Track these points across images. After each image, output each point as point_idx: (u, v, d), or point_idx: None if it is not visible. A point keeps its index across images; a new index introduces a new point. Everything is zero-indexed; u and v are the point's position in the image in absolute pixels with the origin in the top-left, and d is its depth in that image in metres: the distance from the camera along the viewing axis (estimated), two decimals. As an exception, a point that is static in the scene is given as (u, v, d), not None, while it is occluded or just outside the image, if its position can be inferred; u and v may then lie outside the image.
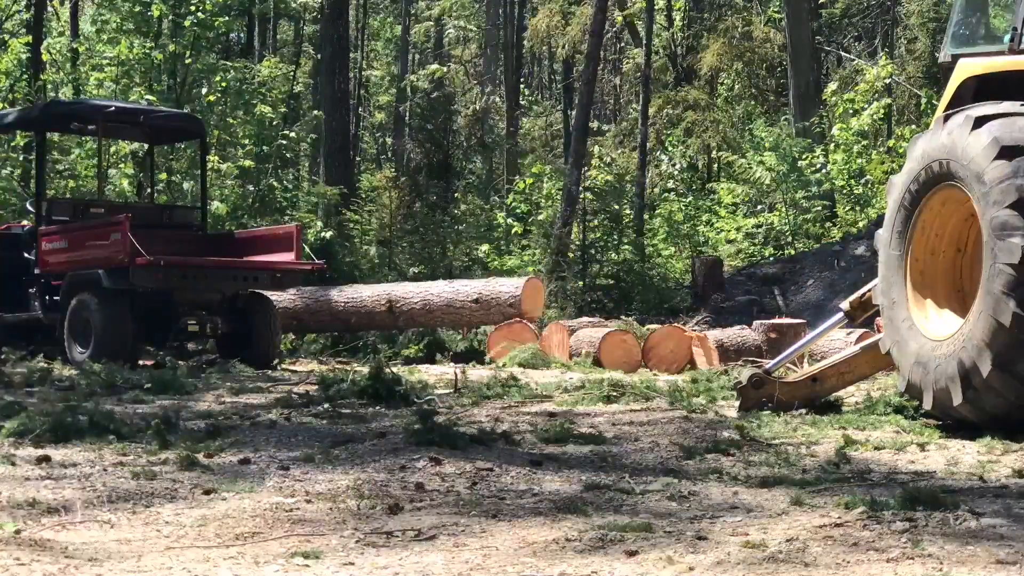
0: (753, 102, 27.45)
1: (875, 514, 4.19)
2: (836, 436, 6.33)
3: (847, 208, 21.57)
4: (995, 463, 5.45)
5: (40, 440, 5.72)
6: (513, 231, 22.69)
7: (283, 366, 11.84)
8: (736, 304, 15.97)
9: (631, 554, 3.66)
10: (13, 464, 5.04)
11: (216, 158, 18.41)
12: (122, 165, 17.93)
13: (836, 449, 5.80)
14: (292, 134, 20.78)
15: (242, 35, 31.00)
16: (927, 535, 3.88)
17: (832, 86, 23.86)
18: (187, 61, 19.34)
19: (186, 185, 18.13)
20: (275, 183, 20.01)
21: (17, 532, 3.82)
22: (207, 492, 4.59)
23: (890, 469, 5.37)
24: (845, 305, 7.99)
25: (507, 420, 7.06)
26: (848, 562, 3.58)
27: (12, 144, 18.58)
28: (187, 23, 19.28)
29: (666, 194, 26.35)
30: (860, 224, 20.09)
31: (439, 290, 13.14)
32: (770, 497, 4.61)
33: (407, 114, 32.17)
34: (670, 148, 27.31)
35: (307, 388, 8.79)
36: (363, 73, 32.36)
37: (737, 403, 7.57)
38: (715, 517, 4.25)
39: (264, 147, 19.81)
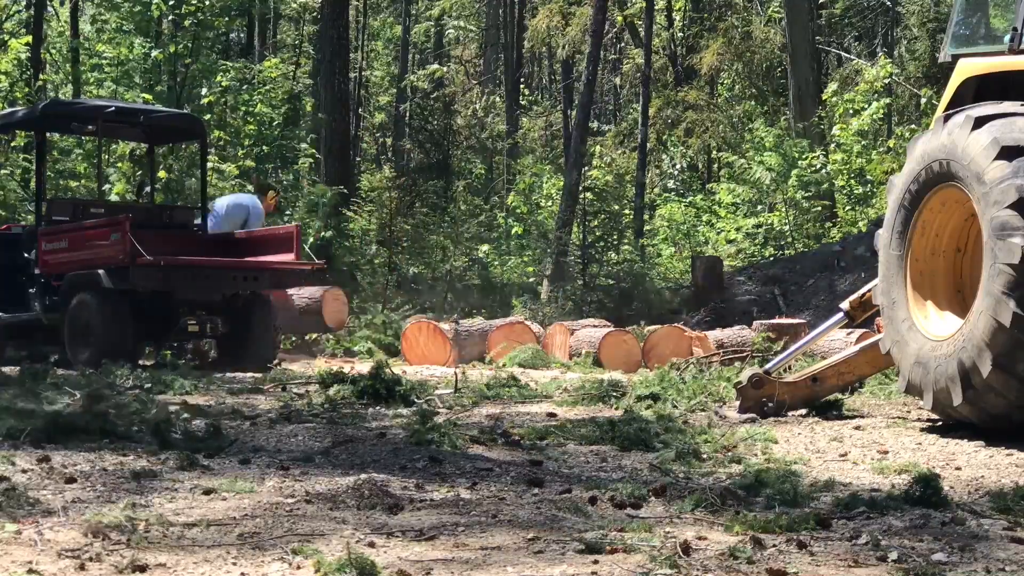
0: (753, 102, 27.46)
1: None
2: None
3: (847, 208, 21.57)
4: None
5: (40, 440, 5.71)
6: (513, 231, 22.69)
7: (283, 366, 11.84)
8: (736, 304, 15.96)
9: (632, 553, 3.66)
10: (13, 464, 5.04)
11: (217, 158, 18.41)
12: (120, 164, 17.93)
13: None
14: (302, 135, 20.78)
15: (242, 35, 31.03)
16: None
17: (832, 86, 23.86)
18: (187, 61, 19.34)
19: (186, 184, 18.13)
20: (275, 183, 20.02)
21: (18, 533, 3.82)
22: (207, 492, 4.59)
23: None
24: (845, 305, 7.99)
25: (507, 420, 7.06)
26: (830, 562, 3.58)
27: (12, 144, 18.58)
28: (187, 23, 19.28)
29: (666, 194, 26.37)
30: (860, 224, 20.08)
31: None
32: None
33: (407, 114, 32.17)
34: (670, 148, 27.33)
35: (307, 388, 8.79)
36: (363, 73, 32.35)
37: (737, 403, 7.58)
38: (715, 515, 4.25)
39: (264, 147, 19.81)
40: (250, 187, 18.85)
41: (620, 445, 6.03)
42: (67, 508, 4.25)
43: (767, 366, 7.95)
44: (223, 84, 19.49)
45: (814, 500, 4.61)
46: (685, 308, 16.42)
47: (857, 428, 6.78)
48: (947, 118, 6.71)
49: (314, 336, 13.92)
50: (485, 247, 21.42)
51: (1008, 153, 6.13)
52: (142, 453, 5.51)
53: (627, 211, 20.14)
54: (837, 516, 4.27)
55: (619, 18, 28.13)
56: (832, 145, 22.07)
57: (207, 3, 19.55)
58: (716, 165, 27.87)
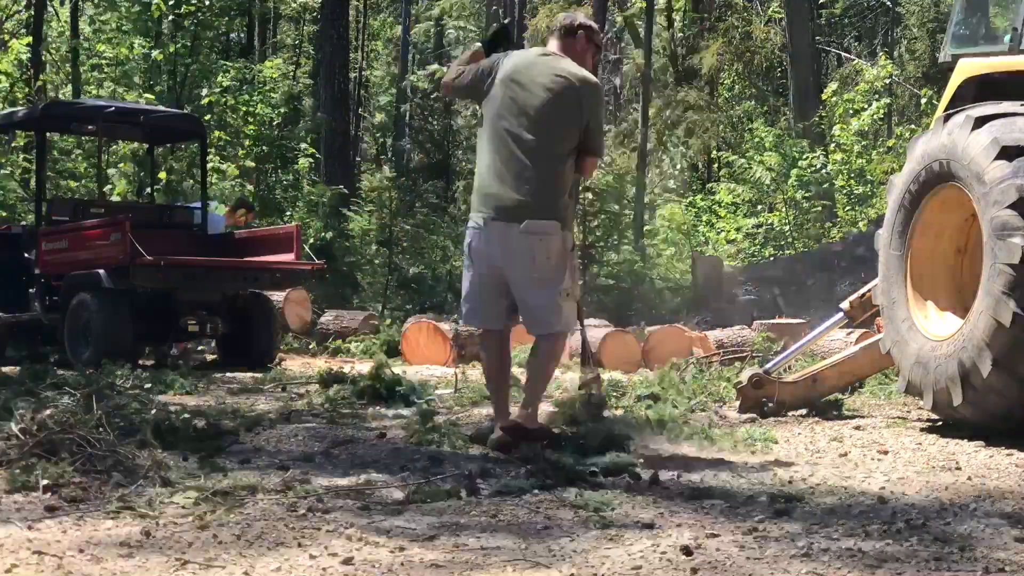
0: (753, 102, 27.47)
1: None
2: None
3: (847, 208, 21.57)
4: None
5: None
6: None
7: (283, 365, 11.84)
8: (736, 304, 15.97)
9: (632, 552, 3.66)
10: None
11: (218, 158, 18.42)
12: (121, 165, 17.94)
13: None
14: (302, 135, 20.78)
15: (242, 35, 31.03)
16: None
17: (832, 86, 23.88)
18: (187, 61, 19.36)
19: (186, 184, 18.15)
20: (275, 182, 20.03)
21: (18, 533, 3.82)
22: (206, 491, 4.59)
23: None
24: (845, 305, 7.99)
25: (507, 420, 7.05)
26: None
27: (12, 144, 18.59)
28: (186, 23, 19.29)
29: (666, 194, 26.38)
30: (860, 224, 20.09)
31: None
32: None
33: (407, 114, 32.18)
34: (670, 149, 27.32)
35: (306, 388, 8.78)
36: (363, 73, 32.36)
37: (737, 403, 7.58)
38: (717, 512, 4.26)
39: (264, 147, 19.82)
40: (250, 187, 18.85)
41: (620, 445, 6.02)
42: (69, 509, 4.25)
43: (767, 366, 7.95)
44: (223, 84, 19.51)
45: (814, 500, 4.60)
46: (685, 308, 16.42)
47: (857, 428, 6.78)
48: (947, 118, 6.71)
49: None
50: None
51: (1008, 153, 6.13)
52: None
53: (627, 211, 20.14)
54: (837, 516, 4.27)
55: (619, 18, 28.13)
56: (832, 145, 22.08)
57: (207, 3, 19.56)
58: (716, 165, 27.87)
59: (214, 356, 12.23)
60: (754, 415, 7.30)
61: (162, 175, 17.11)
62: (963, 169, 6.40)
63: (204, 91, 19.46)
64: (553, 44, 5.90)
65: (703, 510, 4.39)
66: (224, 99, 19.59)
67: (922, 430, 6.70)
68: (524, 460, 5.25)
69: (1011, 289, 5.95)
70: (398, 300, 17.38)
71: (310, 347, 13.38)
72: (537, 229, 5.55)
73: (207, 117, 18.56)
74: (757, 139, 22.72)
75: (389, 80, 34.76)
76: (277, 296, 13.45)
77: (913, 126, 22.16)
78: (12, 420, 5.03)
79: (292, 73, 26.53)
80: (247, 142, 19.58)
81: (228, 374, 10.27)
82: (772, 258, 19.61)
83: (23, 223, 13.91)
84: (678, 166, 27.83)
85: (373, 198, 18.58)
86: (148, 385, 8.57)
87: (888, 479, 5.11)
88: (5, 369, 10.12)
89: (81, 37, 22.55)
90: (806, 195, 20.56)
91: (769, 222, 20.96)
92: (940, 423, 6.78)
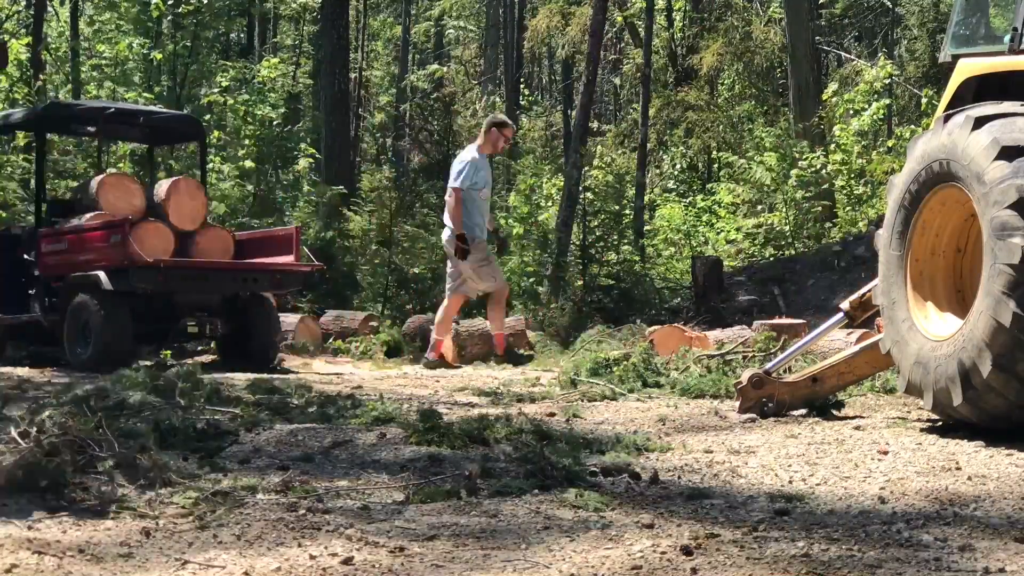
0: (753, 102, 27.45)
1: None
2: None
3: (847, 208, 21.54)
4: None
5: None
6: (514, 231, 22.69)
7: (283, 366, 11.85)
8: (736, 304, 15.96)
9: (633, 552, 3.66)
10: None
11: (218, 159, 18.42)
12: (120, 165, 17.94)
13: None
14: (302, 135, 20.81)
15: (242, 35, 31.05)
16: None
17: (832, 86, 23.85)
18: (187, 61, 19.38)
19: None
20: (275, 182, 20.04)
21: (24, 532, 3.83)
22: (205, 492, 4.59)
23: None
24: (845, 305, 7.98)
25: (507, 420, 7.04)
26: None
27: (12, 145, 18.60)
28: (185, 22, 19.32)
29: (666, 194, 26.38)
30: (860, 224, 20.07)
31: None
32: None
33: (407, 114, 32.18)
34: (670, 148, 27.32)
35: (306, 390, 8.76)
36: (363, 73, 32.36)
37: (737, 403, 7.58)
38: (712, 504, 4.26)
39: (264, 148, 19.83)
40: (250, 187, 18.84)
41: (620, 445, 6.02)
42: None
43: (767, 366, 7.94)
44: (223, 84, 19.52)
45: (814, 500, 4.61)
46: (685, 308, 16.41)
47: (857, 428, 6.78)
48: (947, 118, 6.71)
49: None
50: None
51: (1008, 153, 6.13)
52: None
53: (627, 211, 20.13)
54: (837, 516, 4.27)
55: (619, 18, 28.12)
56: (832, 145, 22.06)
57: (206, 2, 19.57)
58: (716, 165, 27.87)
59: (214, 357, 12.24)
60: (754, 415, 7.30)
61: (161, 175, 17.09)
62: (963, 169, 6.40)
63: (204, 91, 19.48)
64: None
65: (703, 510, 4.39)
66: (224, 99, 19.59)
67: (922, 430, 6.70)
68: (524, 460, 5.25)
69: (1011, 289, 5.94)
70: (398, 300, 17.37)
71: (310, 348, 13.37)
72: None
73: (207, 117, 18.57)
74: (757, 139, 22.70)
75: (389, 80, 34.75)
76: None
77: (913, 126, 22.11)
78: (11, 422, 5.03)
79: (292, 73, 26.54)
80: (247, 142, 19.58)
81: (228, 374, 10.26)
82: (772, 258, 19.59)
83: (23, 224, 13.92)
84: (678, 166, 27.82)
85: (373, 198, 18.58)
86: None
87: (888, 479, 5.11)
88: (16, 370, 10.12)
89: (81, 37, 22.57)
90: (806, 195, 20.53)
91: (769, 222, 20.94)
92: (940, 423, 6.77)
